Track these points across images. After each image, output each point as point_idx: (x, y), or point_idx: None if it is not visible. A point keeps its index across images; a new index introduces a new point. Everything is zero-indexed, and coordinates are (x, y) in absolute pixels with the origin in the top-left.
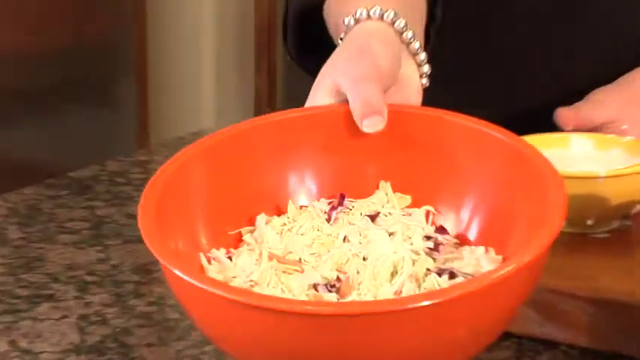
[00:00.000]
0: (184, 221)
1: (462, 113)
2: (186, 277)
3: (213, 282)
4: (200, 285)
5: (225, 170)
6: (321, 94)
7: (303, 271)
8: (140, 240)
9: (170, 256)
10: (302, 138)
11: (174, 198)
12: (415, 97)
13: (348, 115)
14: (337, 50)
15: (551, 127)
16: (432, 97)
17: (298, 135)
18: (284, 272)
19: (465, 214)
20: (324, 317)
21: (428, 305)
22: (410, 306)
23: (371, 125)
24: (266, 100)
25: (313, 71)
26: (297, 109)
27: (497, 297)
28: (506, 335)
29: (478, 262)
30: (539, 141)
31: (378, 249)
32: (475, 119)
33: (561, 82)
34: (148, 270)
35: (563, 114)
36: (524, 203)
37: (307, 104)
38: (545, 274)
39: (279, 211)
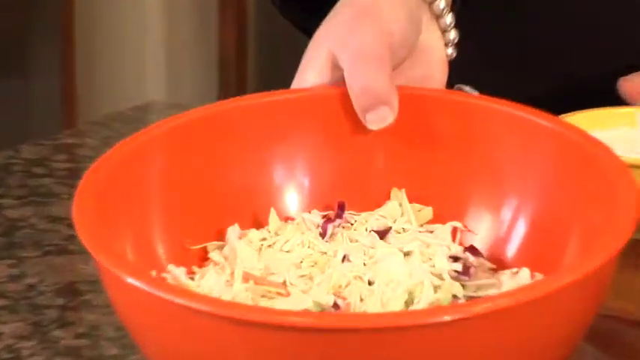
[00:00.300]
0: (134, 227)
1: (498, 96)
2: (141, 285)
3: (184, 291)
4: (164, 295)
5: (191, 164)
6: (313, 69)
7: (288, 295)
8: (66, 251)
9: (116, 257)
10: (291, 129)
11: (121, 195)
12: (439, 73)
13: (348, 100)
14: (337, 7)
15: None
16: (460, 71)
17: (286, 125)
18: (263, 297)
19: (503, 230)
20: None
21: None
22: (424, 321)
23: (376, 120)
24: (234, 65)
25: (305, 26)
26: (286, 90)
27: (542, 318)
28: None
29: None
30: (598, 118)
31: (389, 271)
32: (517, 105)
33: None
34: (77, 291)
35: (628, 84)
36: (581, 211)
37: (296, 81)
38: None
39: (258, 223)
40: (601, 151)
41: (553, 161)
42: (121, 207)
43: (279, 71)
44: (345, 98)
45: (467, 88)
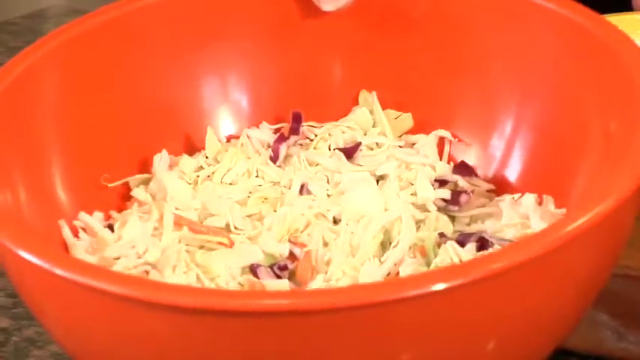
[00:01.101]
0: (30, 163)
1: None
2: (35, 259)
3: (84, 266)
4: (61, 272)
5: (99, 82)
6: None
7: (232, 245)
8: None
9: (7, 223)
10: (224, 25)
11: (11, 128)
12: None
13: None
14: None
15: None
16: None
17: (218, 20)
18: (201, 247)
19: (502, 140)
20: (271, 316)
21: (441, 291)
22: (411, 293)
23: None
24: None
25: None
26: None
27: (551, 279)
28: (564, 355)
29: (525, 220)
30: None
31: (359, 204)
32: None
33: None
34: None
35: None
36: (598, 118)
37: None
38: (628, 249)
39: (191, 146)
40: (620, 40)
41: (560, 53)
42: (11, 142)
43: None
44: None
45: None
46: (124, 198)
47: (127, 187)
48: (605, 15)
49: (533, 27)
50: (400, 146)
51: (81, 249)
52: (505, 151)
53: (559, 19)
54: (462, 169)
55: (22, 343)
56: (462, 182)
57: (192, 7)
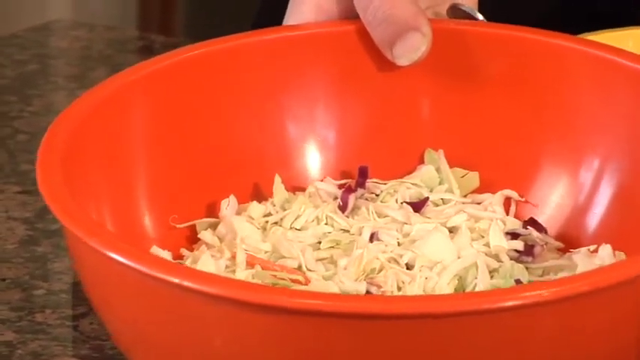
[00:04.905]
0: (111, 197)
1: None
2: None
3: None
4: (162, 275)
5: (174, 118)
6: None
7: (308, 282)
8: None
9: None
10: (299, 76)
11: (90, 156)
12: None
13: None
14: None
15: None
16: None
17: (293, 71)
18: (275, 285)
19: (576, 199)
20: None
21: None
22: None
23: (406, 51)
24: None
25: None
26: (292, 26)
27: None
28: None
29: None
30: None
31: (432, 251)
32: (586, 40)
33: None
34: None
35: None
36: None
37: (291, 15)
38: None
39: (259, 195)
40: None
41: (630, 108)
42: (90, 171)
43: None
44: (363, 34)
45: (465, 7)
46: (190, 241)
47: (192, 230)
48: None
49: (613, 86)
50: (465, 202)
51: None
52: (578, 211)
53: (633, 74)
54: (532, 224)
55: (26, 356)
56: (534, 235)
57: (269, 52)
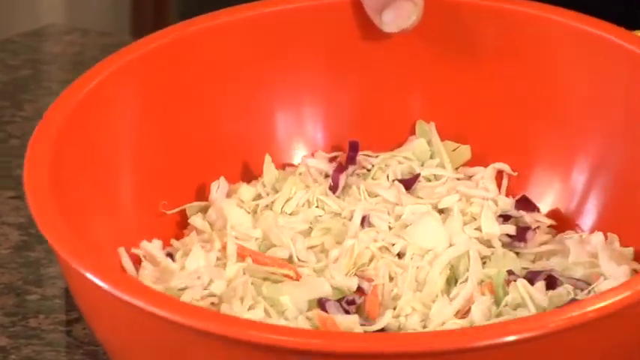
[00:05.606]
0: (99, 189)
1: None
2: (110, 288)
3: (161, 298)
4: (139, 303)
5: (170, 97)
6: None
7: (299, 278)
8: None
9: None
10: (285, 49)
11: (80, 148)
12: None
13: (360, 8)
14: None
15: None
16: None
17: (279, 44)
18: (266, 279)
19: (566, 174)
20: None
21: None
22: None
23: (395, 18)
24: None
25: None
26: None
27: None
28: None
29: (593, 259)
30: None
31: (423, 238)
32: (582, 16)
33: None
34: None
35: None
36: None
37: None
38: None
39: (249, 174)
40: None
41: (633, 91)
42: (78, 163)
43: None
44: (353, 6)
45: None
46: (180, 226)
47: (182, 215)
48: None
49: (607, 66)
50: (458, 179)
51: (145, 279)
52: (571, 188)
53: (632, 56)
54: (525, 203)
55: None
56: (527, 218)
57: (255, 26)
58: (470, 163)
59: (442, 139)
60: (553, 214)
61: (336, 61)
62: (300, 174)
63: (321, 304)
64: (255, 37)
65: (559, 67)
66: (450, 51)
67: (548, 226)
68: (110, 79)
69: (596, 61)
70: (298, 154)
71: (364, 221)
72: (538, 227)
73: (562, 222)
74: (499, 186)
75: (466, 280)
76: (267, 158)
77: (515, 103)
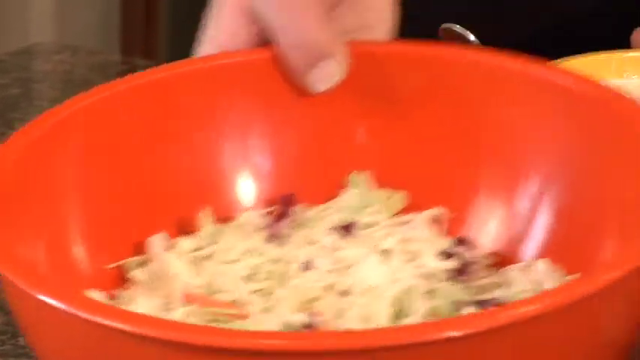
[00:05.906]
0: (48, 239)
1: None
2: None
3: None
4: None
5: (103, 156)
6: (224, 26)
7: (247, 317)
8: None
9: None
10: (216, 106)
11: (28, 197)
12: (380, 21)
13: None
14: None
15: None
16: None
17: (209, 101)
18: (214, 321)
19: (507, 208)
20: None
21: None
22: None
23: (321, 78)
24: None
25: None
26: (209, 56)
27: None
28: None
29: (538, 287)
30: (601, 65)
31: (367, 277)
32: (510, 56)
33: None
34: None
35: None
36: (618, 189)
37: (205, 44)
38: None
39: (188, 228)
40: (633, 110)
41: (569, 130)
42: (27, 212)
43: (199, 5)
44: (278, 61)
45: (457, 28)
46: (118, 280)
47: (120, 270)
48: (583, 54)
49: (542, 105)
50: (395, 225)
51: None
52: (512, 226)
53: (567, 92)
54: (462, 243)
55: None
56: (468, 255)
57: (192, 84)
58: (407, 209)
59: (380, 188)
60: (496, 248)
61: (274, 115)
62: (237, 225)
63: None
64: (188, 94)
65: (492, 107)
66: (382, 100)
67: (487, 265)
68: (56, 129)
69: (529, 98)
70: (239, 207)
71: (308, 266)
72: (479, 263)
73: (505, 256)
74: (439, 227)
75: (414, 313)
76: (203, 213)
77: (450, 146)
